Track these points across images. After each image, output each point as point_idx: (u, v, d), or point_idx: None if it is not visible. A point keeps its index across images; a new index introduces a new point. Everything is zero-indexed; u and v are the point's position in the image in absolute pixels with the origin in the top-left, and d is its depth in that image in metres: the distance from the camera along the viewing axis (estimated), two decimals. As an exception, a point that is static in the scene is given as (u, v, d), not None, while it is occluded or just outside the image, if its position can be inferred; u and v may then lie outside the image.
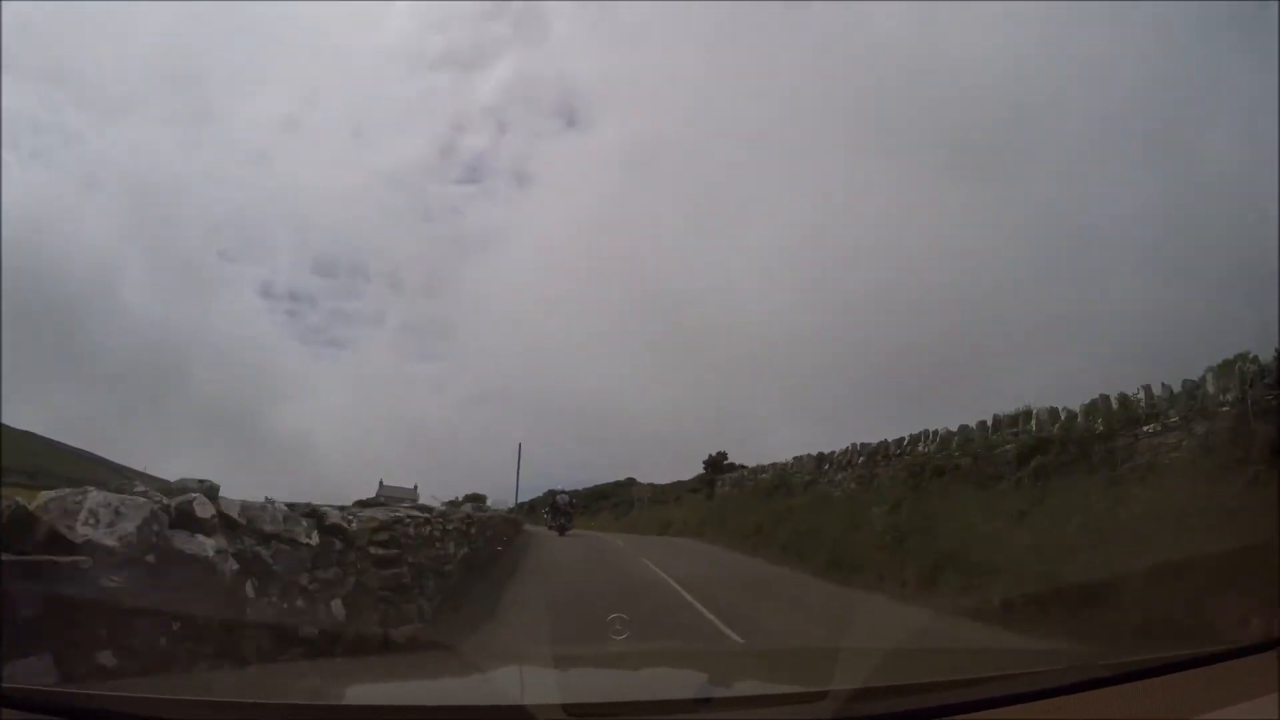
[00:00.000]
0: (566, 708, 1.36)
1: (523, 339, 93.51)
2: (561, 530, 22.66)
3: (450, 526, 9.82)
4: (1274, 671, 1.55)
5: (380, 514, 6.56)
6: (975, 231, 63.03)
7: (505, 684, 2.10)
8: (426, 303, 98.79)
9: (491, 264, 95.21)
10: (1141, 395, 10.59)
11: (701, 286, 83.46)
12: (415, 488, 53.59)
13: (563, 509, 23.86)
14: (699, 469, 43.39)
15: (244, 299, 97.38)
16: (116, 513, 2.79)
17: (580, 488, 52.07)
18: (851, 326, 68.91)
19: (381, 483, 59.78)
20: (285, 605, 4.08)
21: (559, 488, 34.25)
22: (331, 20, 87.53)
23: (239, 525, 3.70)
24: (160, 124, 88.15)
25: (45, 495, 2.74)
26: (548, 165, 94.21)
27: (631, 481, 54.53)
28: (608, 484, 56.06)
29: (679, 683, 2.08)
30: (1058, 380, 36.59)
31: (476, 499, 40.00)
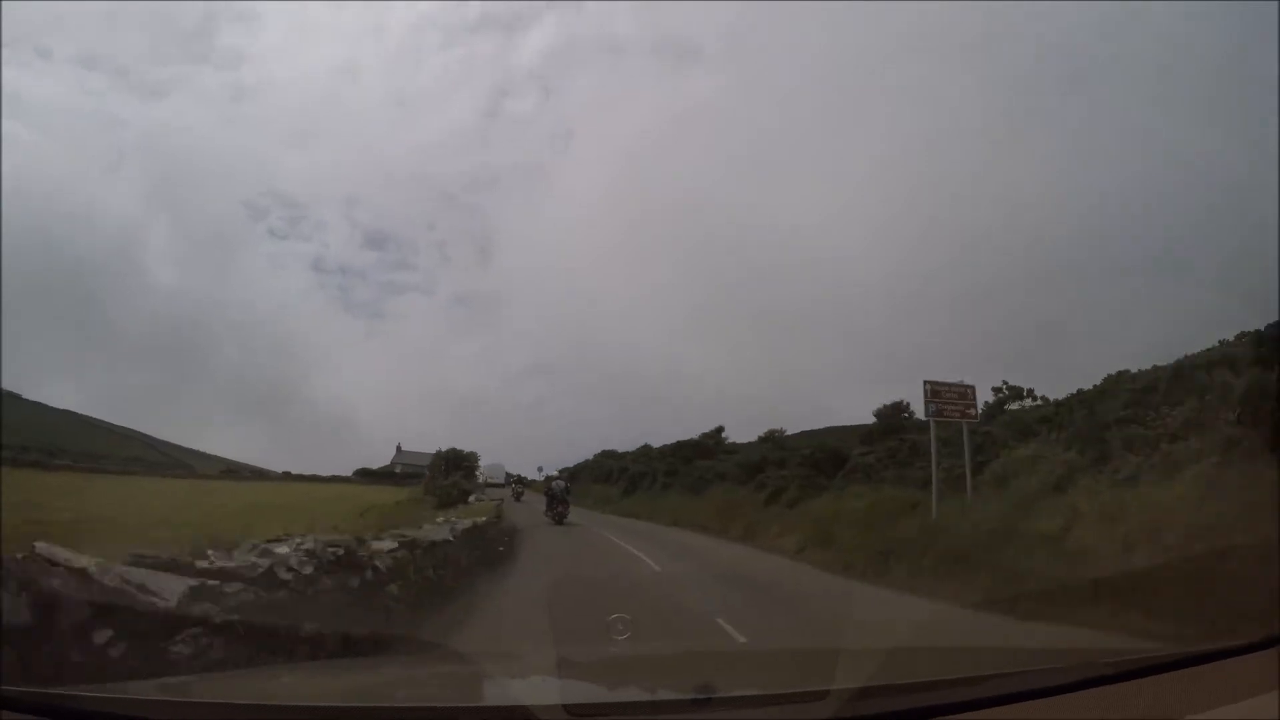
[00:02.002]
0: (568, 708, 1.36)
1: (574, 300, 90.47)
2: (559, 519, 21.26)
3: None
4: (1275, 669, 1.55)
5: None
6: (1078, 166, 54.51)
7: (507, 684, 2.10)
8: (472, 271, 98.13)
9: (539, 226, 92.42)
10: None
11: (766, 229, 74.67)
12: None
13: (558, 495, 22.13)
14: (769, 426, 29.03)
15: (293, 273, 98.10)
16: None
17: (663, 443, 36.72)
18: (932, 267, 59.70)
19: (399, 448, 56.87)
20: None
21: (553, 472, 30.92)
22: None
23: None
24: (200, 104, 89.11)
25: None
26: (592, 115, 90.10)
27: (719, 431, 33.61)
28: (700, 438, 34.10)
29: (680, 683, 2.07)
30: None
31: (458, 458, 29.17)
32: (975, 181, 63.00)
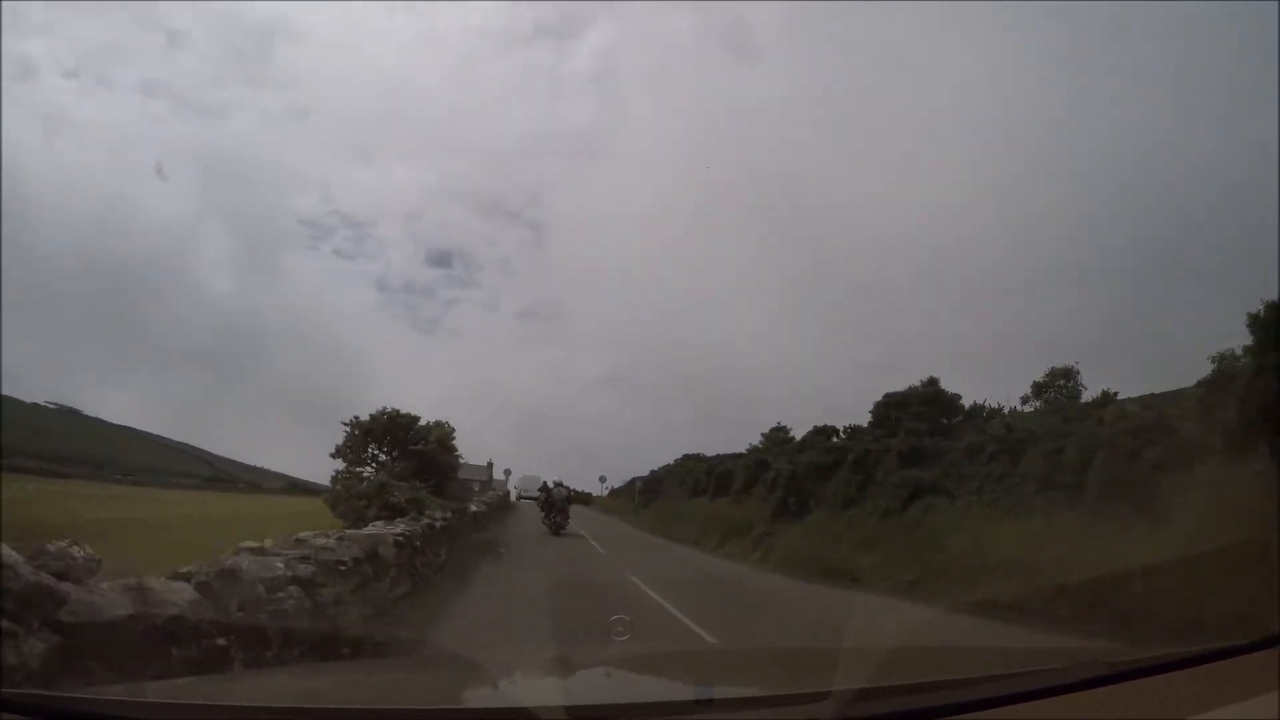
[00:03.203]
0: (569, 709, 1.35)
1: (644, 304, 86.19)
2: (557, 530, 21.21)
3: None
4: (1275, 669, 1.55)
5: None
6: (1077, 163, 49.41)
7: (507, 686, 2.10)
8: (536, 281, 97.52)
9: (603, 230, 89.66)
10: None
11: (850, 203, 68.68)
12: (489, 465, 39.82)
13: (558, 504, 21.85)
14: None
15: (358, 291, 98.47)
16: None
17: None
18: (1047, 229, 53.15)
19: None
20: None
21: (557, 480, 24.76)
22: (420, 7, 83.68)
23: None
24: (259, 124, 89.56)
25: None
26: (650, 113, 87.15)
27: (933, 383, 17.99)
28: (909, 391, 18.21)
29: (681, 684, 2.07)
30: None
31: (407, 433, 15.94)
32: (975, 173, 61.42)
